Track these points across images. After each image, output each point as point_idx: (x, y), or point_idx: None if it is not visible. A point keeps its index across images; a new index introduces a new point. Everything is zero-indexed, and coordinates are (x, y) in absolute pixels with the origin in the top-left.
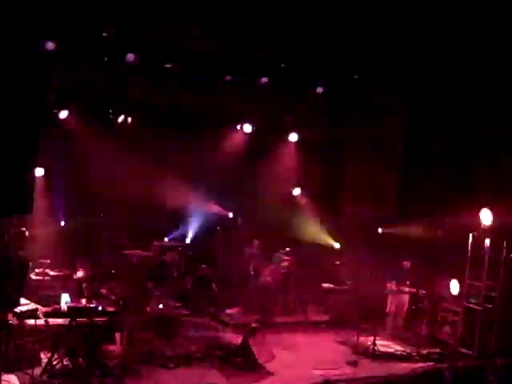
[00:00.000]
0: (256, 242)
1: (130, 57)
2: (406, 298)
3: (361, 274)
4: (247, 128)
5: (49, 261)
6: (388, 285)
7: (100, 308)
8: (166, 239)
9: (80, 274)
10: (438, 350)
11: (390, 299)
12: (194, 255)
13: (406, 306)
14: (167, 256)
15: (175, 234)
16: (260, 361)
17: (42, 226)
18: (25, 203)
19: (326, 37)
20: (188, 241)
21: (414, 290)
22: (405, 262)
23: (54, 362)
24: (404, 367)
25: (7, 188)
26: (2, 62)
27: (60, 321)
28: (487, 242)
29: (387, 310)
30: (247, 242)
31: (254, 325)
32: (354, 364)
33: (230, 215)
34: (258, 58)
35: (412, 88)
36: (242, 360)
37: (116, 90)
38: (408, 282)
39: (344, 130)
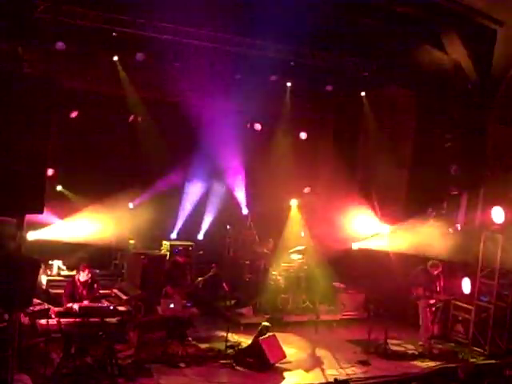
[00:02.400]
0: (270, 241)
1: (140, 56)
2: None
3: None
4: (257, 127)
5: (61, 261)
6: (413, 290)
7: (112, 308)
8: (173, 236)
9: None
10: (449, 349)
11: (420, 305)
12: (205, 254)
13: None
14: (180, 256)
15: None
16: (271, 360)
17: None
18: (36, 203)
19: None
20: (201, 237)
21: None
22: (433, 269)
23: (66, 362)
24: (416, 366)
25: (19, 188)
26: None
27: (72, 321)
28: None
29: (421, 317)
30: (261, 241)
31: (265, 324)
32: (365, 363)
33: (245, 212)
34: (267, 56)
35: (422, 84)
36: (254, 359)
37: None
38: (438, 289)
39: (354, 128)
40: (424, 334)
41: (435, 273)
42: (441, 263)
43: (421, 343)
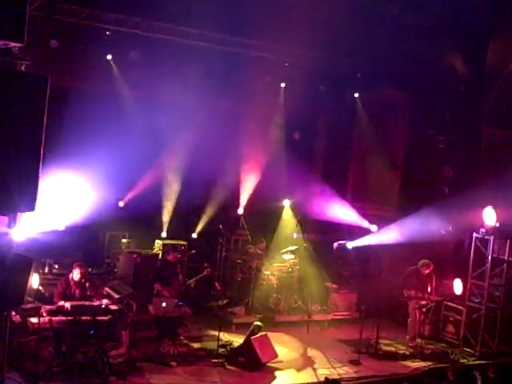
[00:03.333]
0: (263, 241)
1: (134, 55)
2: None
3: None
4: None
5: (52, 260)
6: (404, 290)
7: (103, 306)
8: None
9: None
10: (440, 350)
11: (411, 305)
12: (198, 253)
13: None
14: (170, 255)
15: None
16: (263, 360)
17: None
18: (29, 201)
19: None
20: (195, 236)
21: (430, 300)
22: (424, 269)
23: (57, 360)
24: (407, 366)
25: (11, 186)
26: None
27: (63, 319)
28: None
29: (410, 318)
30: (253, 241)
31: (257, 323)
32: (356, 363)
33: (240, 212)
34: (262, 56)
35: (416, 85)
36: (245, 359)
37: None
38: (429, 289)
39: (348, 129)
40: (410, 334)
41: (426, 272)
42: (432, 263)
43: (409, 344)
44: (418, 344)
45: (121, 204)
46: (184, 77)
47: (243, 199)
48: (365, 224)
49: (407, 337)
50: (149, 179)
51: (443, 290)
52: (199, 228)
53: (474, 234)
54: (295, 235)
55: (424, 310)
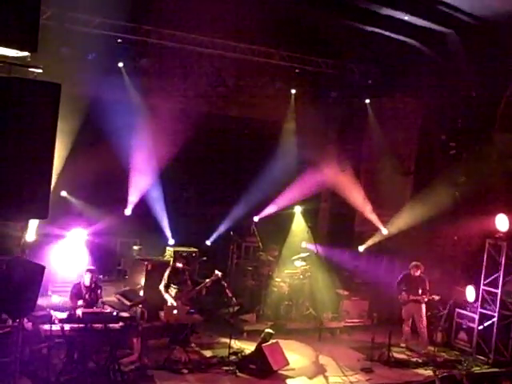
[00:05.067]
0: (275, 248)
1: (145, 62)
2: (423, 306)
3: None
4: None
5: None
6: (399, 295)
7: (115, 314)
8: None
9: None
10: (453, 357)
11: (404, 309)
12: (210, 260)
13: (424, 315)
14: (178, 262)
15: None
16: (274, 367)
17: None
18: (41, 208)
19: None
20: (209, 243)
21: (426, 299)
22: (414, 270)
23: (69, 368)
24: (419, 374)
25: (23, 193)
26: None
27: (75, 326)
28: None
29: (403, 320)
30: (265, 248)
31: (268, 331)
32: (368, 371)
33: (256, 219)
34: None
35: (427, 91)
36: (256, 366)
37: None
38: (420, 291)
39: (359, 135)
40: (423, 342)
41: (416, 274)
42: (422, 265)
43: (424, 351)
44: (430, 351)
45: (128, 212)
46: (194, 84)
47: (255, 206)
48: (376, 228)
49: (402, 338)
50: (159, 186)
51: (458, 297)
52: (216, 235)
53: (487, 240)
54: (304, 244)
55: (422, 314)
